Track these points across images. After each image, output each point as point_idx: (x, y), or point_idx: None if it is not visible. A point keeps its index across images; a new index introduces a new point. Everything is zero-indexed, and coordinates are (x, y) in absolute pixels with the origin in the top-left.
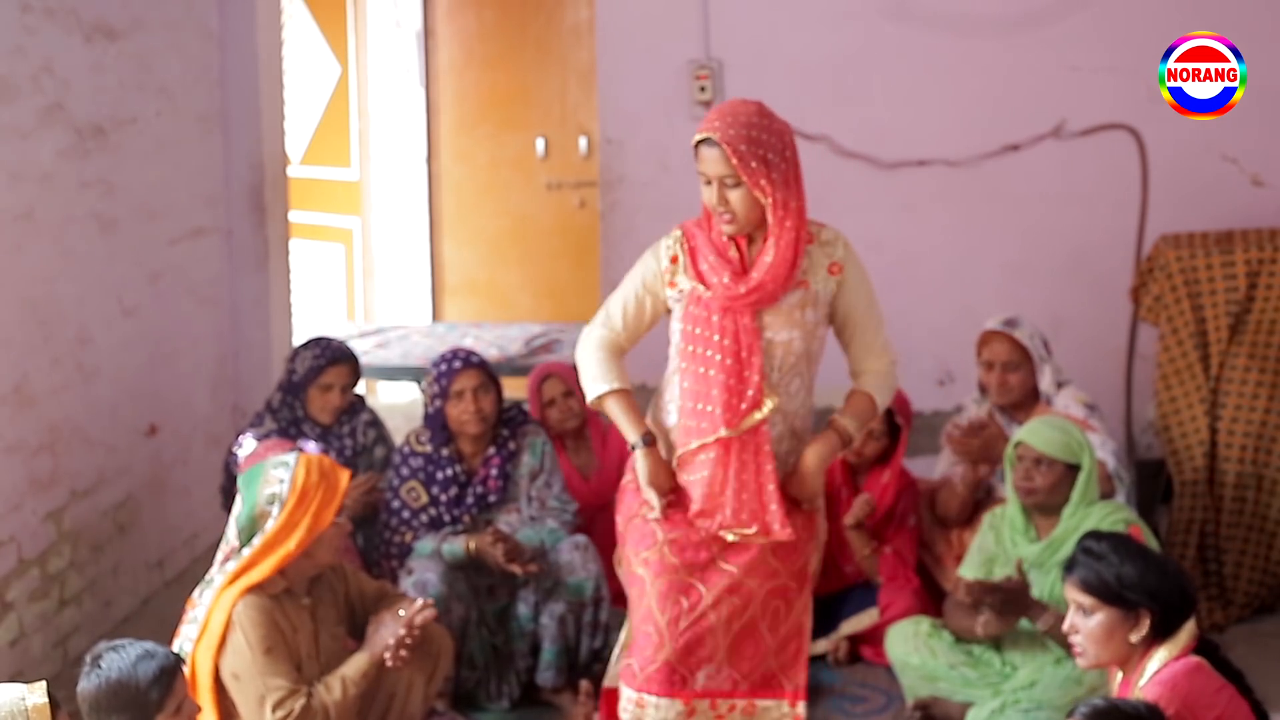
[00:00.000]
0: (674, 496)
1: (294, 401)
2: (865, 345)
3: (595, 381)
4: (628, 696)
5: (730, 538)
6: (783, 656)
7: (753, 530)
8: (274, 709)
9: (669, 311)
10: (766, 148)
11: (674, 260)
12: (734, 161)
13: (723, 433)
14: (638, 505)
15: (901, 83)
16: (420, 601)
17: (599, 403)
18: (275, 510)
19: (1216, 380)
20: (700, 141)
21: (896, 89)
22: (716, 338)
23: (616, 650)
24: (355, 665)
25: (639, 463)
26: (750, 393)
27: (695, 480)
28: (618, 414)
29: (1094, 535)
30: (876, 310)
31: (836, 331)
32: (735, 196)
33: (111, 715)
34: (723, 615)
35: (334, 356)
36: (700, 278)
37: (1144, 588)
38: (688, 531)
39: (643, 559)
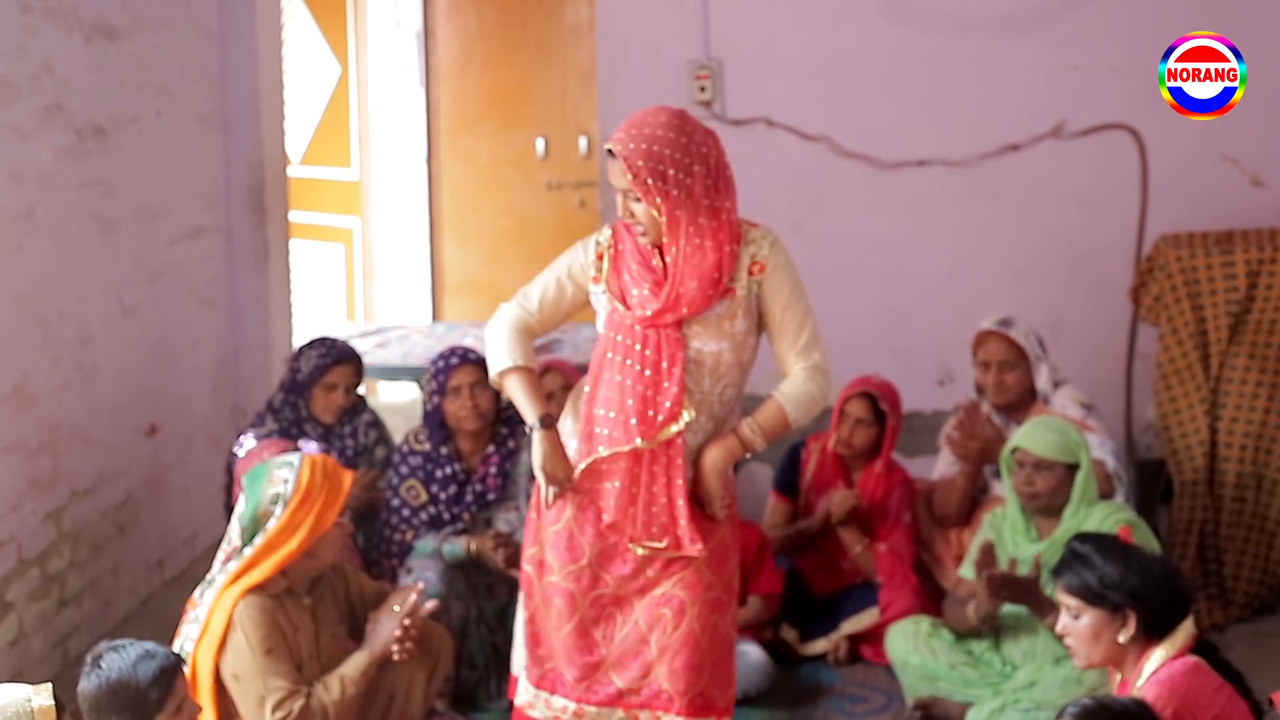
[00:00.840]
0: (569, 485)
1: (297, 401)
2: (785, 346)
3: (499, 357)
4: (560, 705)
5: (640, 551)
6: (717, 673)
7: (663, 544)
8: (274, 709)
9: (587, 303)
10: (667, 163)
11: (599, 257)
12: (628, 176)
13: (638, 443)
14: (556, 513)
15: (901, 83)
16: (415, 591)
17: (500, 379)
18: (278, 510)
19: (1216, 380)
20: (609, 150)
21: (896, 89)
22: (638, 347)
23: (518, 637)
24: (354, 664)
25: (534, 445)
26: (667, 405)
27: (607, 490)
28: (517, 392)
29: (1080, 537)
30: (798, 310)
31: (764, 330)
32: (639, 210)
33: (112, 715)
34: (657, 629)
35: (339, 356)
36: (621, 292)
37: (1125, 588)
38: (611, 545)
39: (569, 573)
